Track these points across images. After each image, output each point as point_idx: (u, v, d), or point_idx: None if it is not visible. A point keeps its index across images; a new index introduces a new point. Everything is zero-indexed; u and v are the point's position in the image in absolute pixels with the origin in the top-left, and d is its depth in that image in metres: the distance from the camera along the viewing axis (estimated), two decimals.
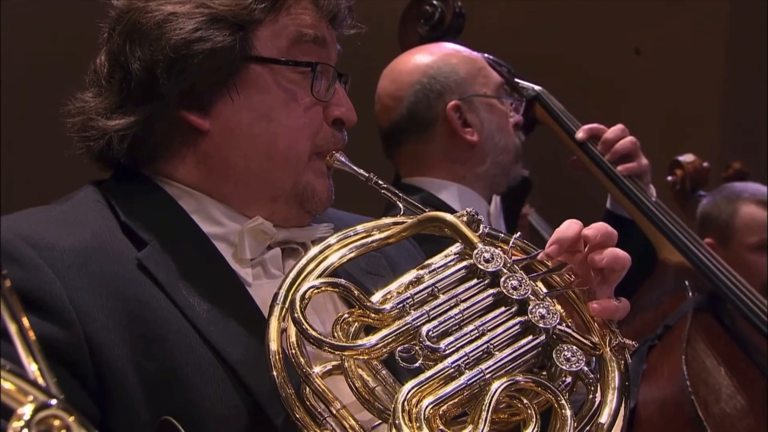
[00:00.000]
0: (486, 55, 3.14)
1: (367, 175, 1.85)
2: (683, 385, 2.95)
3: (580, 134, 3.11)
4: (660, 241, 3.15)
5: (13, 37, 4.43)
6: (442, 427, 1.52)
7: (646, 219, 3.12)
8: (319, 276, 1.66)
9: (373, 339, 1.58)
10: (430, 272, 1.67)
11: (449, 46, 3.10)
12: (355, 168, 1.85)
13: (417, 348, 1.57)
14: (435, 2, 3.30)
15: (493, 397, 1.52)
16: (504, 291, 1.63)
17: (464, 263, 1.68)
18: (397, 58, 3.15)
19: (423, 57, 3.06)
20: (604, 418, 1.61)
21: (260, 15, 1.78)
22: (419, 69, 3.03)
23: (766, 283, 3.81)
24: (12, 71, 4.61)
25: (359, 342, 1.58)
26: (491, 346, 1.59)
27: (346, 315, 1.63)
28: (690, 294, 3.21)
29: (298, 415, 1.54)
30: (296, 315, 1.57)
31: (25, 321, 1.11)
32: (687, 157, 4.23)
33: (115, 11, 1.82)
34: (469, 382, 1.54)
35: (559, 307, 1.66)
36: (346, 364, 1.59)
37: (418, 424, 1.48)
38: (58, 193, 1.87)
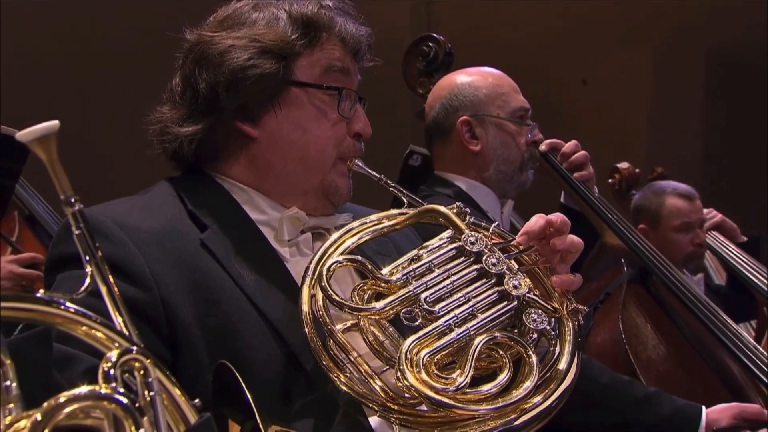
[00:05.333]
0: None
1: (378, 176, 1.82)
2: (619, 337, 2.94)
3: (542, 147, 3.06)
4: (602, 227, 3.11)
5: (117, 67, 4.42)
6: (436, 371, 1.49)
7: (592, 211, 3.08)
8: (341, 254, 1.63)
9: (382, 303, 1.55)
10: (427, 252, 1.64)
11: (487, 71, 2.99)
12: (369, 171, 1.82)
13: (417, 310, 1.55)
14: (431, 44, 3.28)
15: (476, 349, 1.51)
16: (485, 267, 1.61)
17: (454, 245, 1.65)
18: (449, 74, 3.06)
19: (460, 77, 2.97)
20: (561, 365, 1.59)
21: (300, 49, 1.75)
22: (449, 86, 2.95)
23: (687, 255, 3.81)
24: (107, 89, 4.61)
25: (372, 305, 1.56)
26: (475, 310, 1.57)
27: (362, 284, 1.61)
28: (625, 269, 3.19)
29: (324, 362, 1.52)
30: (323, 284, 1.55)
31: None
32: (623, 164, 4.25)
33: (188, 44, 1.80)
34: (457, 337, 1.52)
35: (527, 280, 1.63)
36: (361, 322, 1.56)
37: (417, 369, 1.47)
38: (141, 185, 1.84)
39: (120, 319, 1.07)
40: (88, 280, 1.05)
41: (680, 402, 2.56)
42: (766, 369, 2.93)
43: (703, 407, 2.56)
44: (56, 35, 4.67)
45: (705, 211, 4.08)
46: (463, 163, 2.91)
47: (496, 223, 1.75)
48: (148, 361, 0.99)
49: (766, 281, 3.74)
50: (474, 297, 1.58)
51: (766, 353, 3.01)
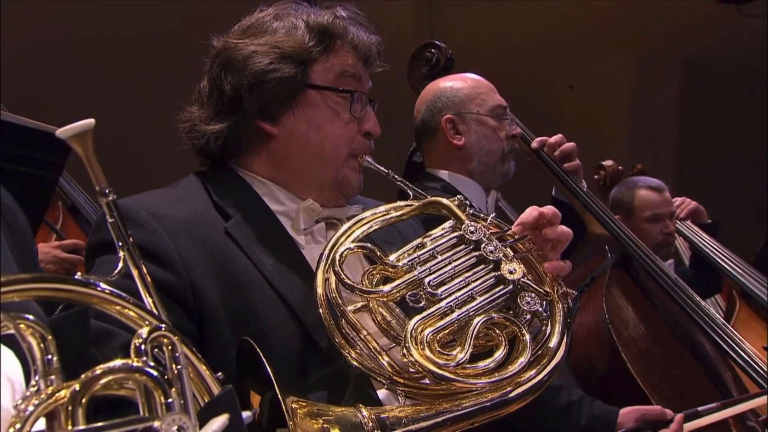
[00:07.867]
0: None
1: (386, 171, 1.80)
2: (603, 318, 2.93)
3: (534, 143, 3.05)
4: (588, 218, 3.10)
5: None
6: (438, 348, 1.47)
7: (579, 202, 3.07)
8: (352, 241, 1.61)
9: (389, 286, 1.54)
10: (431, 240, 1.63)
11: (467, 76, 2.98)
12: (378, 166, 1.80)
13: (421, 293, 1.53)
14: (433, 50, 3.25)
15: (475, 328, 1.49)
16: (483, 254, 1.59)
17: (455, 234, 1.63)
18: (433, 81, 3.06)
19: (442, 83, 2.97)
20: (552, 343, 1.58)
21: (316, 55, 1.74)
22: (433, 91, 2.95)
23: (657, 244, 3.80)
24: (141, 90, 4.61)
25: (380, 288, 1.54)
26: (474, 293, 1.55)
27: (371, 269, 1.59)
28: (609, 255, 3.18)
29: (336, 340, 1.50)
30: (336, 268, 1.54)
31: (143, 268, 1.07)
32: (607, 162, 4.22)
33: (215, 50, 1.78)
34: (458, 318, 1.51)
35: (522, 266, 1.61)
36: (370, 304, 1.54)
37: (421, 346, 1.45)
38: (172, 178, 1.82)
39: (150, 300, 1.06)
40: (120, 264, 1.04)
41: (597, 410, 2.52)
42: (734, 345, 2.93)
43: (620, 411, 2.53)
44: (98, 36, 4.67)
45: (680, 199, 4.06)
46: (448, 157, 2.89)
47: (494, 214, 1.74)
48: (176, 337, 0.98)
49: (733, 266, 3.73)
50: (473, 281, 1.56)
51: (735, 332, 3.00)
